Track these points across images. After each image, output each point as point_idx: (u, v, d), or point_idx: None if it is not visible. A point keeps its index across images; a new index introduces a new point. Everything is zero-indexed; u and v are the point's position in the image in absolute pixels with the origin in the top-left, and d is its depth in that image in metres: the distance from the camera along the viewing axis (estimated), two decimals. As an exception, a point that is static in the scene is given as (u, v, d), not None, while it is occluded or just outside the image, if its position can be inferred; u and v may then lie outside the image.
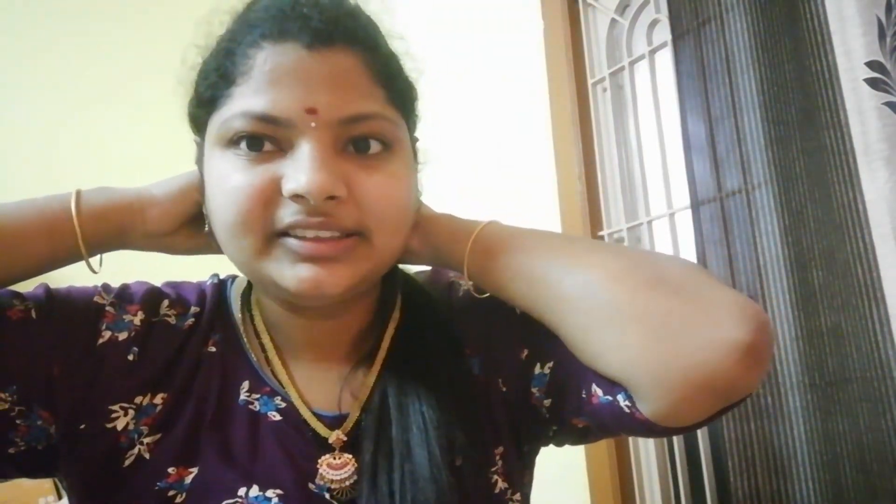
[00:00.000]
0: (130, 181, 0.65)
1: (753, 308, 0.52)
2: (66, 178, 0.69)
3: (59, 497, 1.82)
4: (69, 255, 0.60)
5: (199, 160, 0.61)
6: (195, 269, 0.72)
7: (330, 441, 0.60)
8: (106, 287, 0.64)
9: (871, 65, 0.93)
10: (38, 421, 0.57)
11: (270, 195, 0.55)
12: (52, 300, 0.60)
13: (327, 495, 0.58)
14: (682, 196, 1.33)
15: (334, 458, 0.59)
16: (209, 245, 0.64)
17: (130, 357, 0.60)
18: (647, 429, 0.56)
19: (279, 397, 0.62)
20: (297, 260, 0.55)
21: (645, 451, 1.47)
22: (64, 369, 0.58)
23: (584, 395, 0.59)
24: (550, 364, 0.62)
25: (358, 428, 0.61)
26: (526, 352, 0.64)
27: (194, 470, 0.57)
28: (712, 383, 0.51)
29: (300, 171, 0.54)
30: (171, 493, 0.56)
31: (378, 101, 0.57)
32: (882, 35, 0.93)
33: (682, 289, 0.54)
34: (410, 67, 0.63)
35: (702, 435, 1.34)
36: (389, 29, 0.62)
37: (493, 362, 0.65)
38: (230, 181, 0.55)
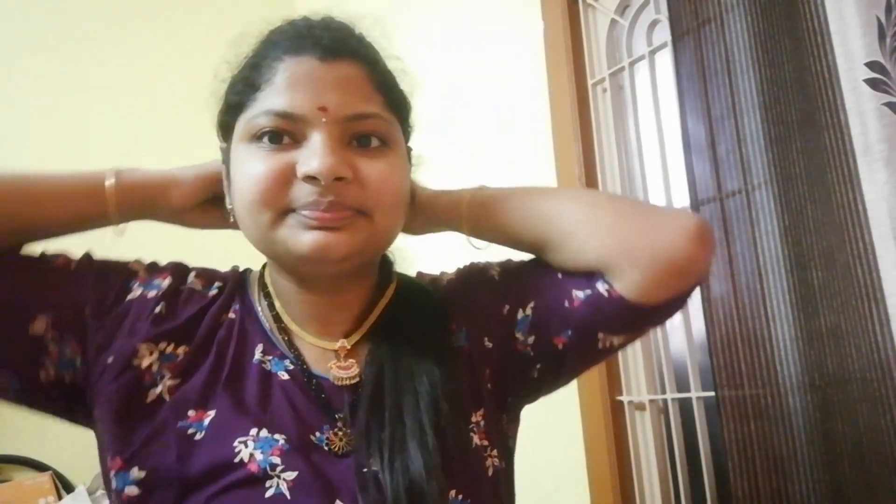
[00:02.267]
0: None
1: (693, 212, 0.72)
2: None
3: (59, 497, 1.82)
4: (100, 217, 0.72)
5: (226, 160, 0.72)
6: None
7: (335, 348, 0.71)
8: (139, 259, 0.75)
9: (871, 65, 0.93)
10: (67, 350, 0.67)
11: (286, 177, 0.65)
12: (92, 259, 0.73)
13: (325, 447, 0.66)
14: (682, 196, 1.33)
15: (341, 362, 0.70)
16: (220, 221, 0.76)
17: (157, 310, 0.70)
18: (623, 307, 0.68)
19: (288, 360, 0.71)
20: (308, 228, 0.65)
21: (645, 451, 1.47)
22: (94, 312, 0.68)
23: (566, 306, 0.71)
24: (532, 304, 0.74)
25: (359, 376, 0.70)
26: (507, 307, 0.75)
27: (211, 413, 0.66)
28: (672, 259, 0.66)
29: (313, 156, 0.64)
30: (190, 430, 0.65)
31: (377, 105, 0.68)
32: (882, 35, 0.93)
33: (640, 201, 0.79)
34: (405, 83, 0.74)
35: (702, 435, 1.34)
36: (388, 51, 0.73)
37: (479, 326, 0.75)
38: (253, 168, 0.66)
